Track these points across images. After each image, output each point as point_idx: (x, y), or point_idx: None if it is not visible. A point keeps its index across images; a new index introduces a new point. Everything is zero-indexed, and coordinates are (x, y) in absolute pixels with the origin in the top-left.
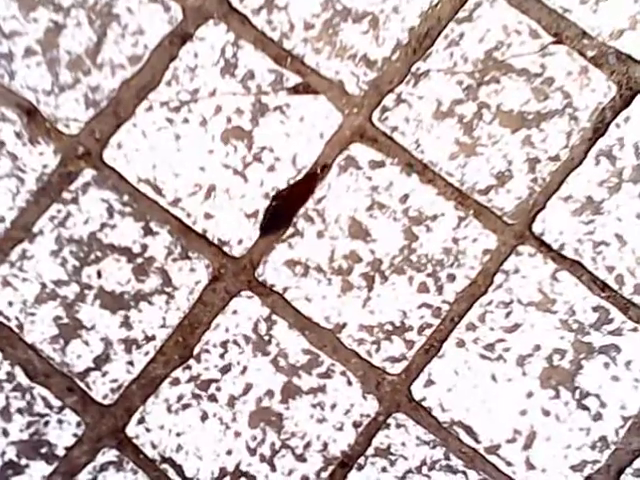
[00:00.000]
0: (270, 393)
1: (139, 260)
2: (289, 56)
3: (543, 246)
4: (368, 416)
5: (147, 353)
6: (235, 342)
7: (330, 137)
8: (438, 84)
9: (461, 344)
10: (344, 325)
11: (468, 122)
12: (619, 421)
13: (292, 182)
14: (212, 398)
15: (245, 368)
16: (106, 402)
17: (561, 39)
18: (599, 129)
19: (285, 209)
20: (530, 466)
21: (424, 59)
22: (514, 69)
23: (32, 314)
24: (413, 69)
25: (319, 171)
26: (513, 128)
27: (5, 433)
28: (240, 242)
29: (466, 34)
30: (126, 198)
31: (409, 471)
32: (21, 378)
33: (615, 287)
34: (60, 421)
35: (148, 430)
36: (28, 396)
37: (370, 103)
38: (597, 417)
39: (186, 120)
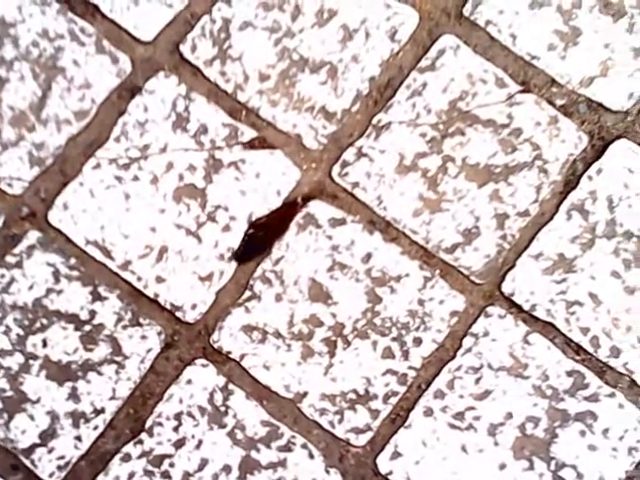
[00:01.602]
0: (227, 469)
1: (87, 327)
2: (244, 109)
3: (514, 307)
4: None
5: (96, 427)
6: (189, 414)
7: (288, 194)
8: (400, 137)
9: (429, 413)
10: (305, 394)
11: (432, 176)
12: None
13: (270, 210)
14: (165, 475)
15: (200, 442)
16: None
17: (529, 88)
18: (570, 182)
19: (263, 237)
20: None
21: (385, 110)
22: (480, 120)
23: None
24: (374, 121)
25: (299, 200)
26: (480, 182)
27: None
28: (194, 307)
29: (429, 84)
30: (73, 261)
31: None
32: None
33: (590, 350)
34: None
35: None
36: None
37: (329, 158)
38: None
39: (136, 178)
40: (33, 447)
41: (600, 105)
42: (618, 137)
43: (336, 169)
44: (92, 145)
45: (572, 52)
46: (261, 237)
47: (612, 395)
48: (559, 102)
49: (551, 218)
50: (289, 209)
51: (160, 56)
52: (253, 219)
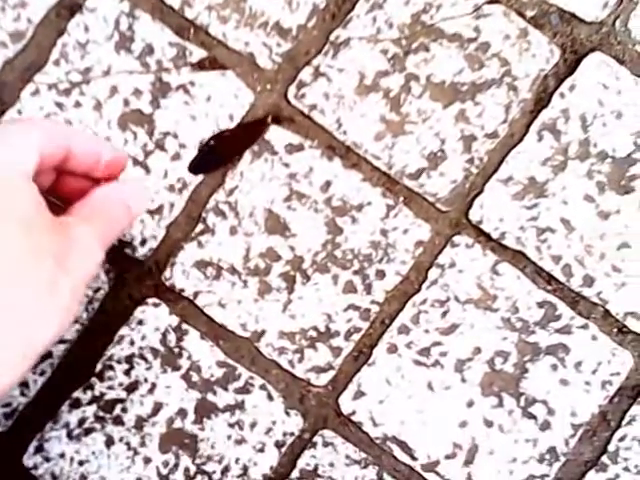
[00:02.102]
0: (182, 412)
1: None
2: (192, 27)
3: (482, 235)
4: (292, 434)
5: (43, 372)
6: (142, 356)
7: (241, 119)
8: (360, 54)
9: (393, 349)
10: (263, 333)
11: (395, 97)
12: (569, 430)
13: (236, 125)
14: (118, 421)
15: (154, 385)
16: None
17: None
18: (541, 100)
19: (223, 151)
20: None
21: (344, 25)
22: (445, 34)
23: None
24: (332, 37)
25: (269, 120)
26: (445, 102)
27: None
28: (143, 242)
29: None
30: None
31: None
32: None
33: (562, 279)
34: None
35: (47, 460)
36: None
37: (285, 78)
38: (545, 426)
39: (78, 104)
40: None
41: (573, 16)
42: (592, 50)
43: (292, 90)
44: (30, 69)
45: None
46: (220, 151)
47: (585, 326)
48: (529, 13)
49: (521, 139)
50: (257, 127)
51: None
52: (217, 131)
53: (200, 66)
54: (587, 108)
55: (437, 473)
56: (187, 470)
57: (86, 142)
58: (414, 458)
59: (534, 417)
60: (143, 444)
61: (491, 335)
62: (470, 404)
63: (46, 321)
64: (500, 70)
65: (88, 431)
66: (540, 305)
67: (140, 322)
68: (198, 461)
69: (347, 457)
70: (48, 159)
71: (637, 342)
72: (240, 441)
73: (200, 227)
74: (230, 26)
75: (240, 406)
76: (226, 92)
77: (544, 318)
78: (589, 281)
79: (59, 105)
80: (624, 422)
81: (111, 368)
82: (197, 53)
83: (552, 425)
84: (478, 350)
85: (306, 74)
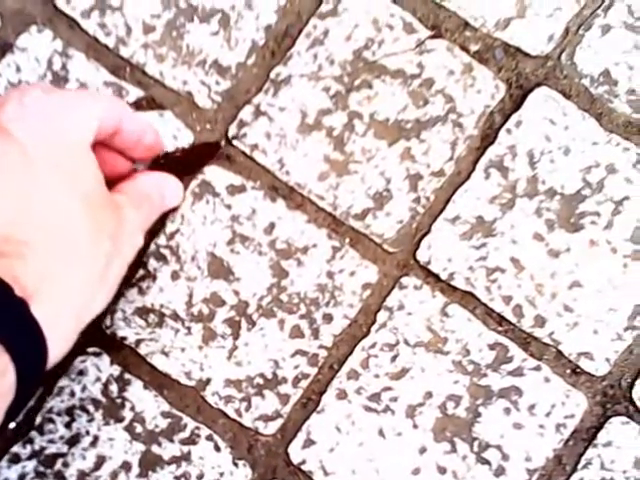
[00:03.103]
0: (126, 466)
1: None
2: (128, 65)
3: (430, 276)
4: None
5: None
6: (83, 408)
7: None
8: (302, 92)
9: (342, 395)
10: (208, 381)
11: (338, 135)
12: (524, 475)
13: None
14: (59, 476)
15: (96, 438)
16: None
17: (440, 32)
18: (488, 137)
19: (173, 169)
20: None
21: (284, 63)
22: (388, 71)
23: None
24: (272, 75)
25: (222, 142)
26: (390, 140)
27: None
28: None
29: (331, 31)
30: None
31: None
32: None
33: (513, 320)
34: None
35: None
36: None
37: (225, 117)
38: (499, 472)
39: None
40: None
41: (518, 50)
42: (538, 85)
43: (233, 130)
44: None
45: None
46: (169, 170)
47: (537, 368)
48: (473, 48)
49: (468, 177)
50: (209, 148)
51: (32, 8)
52: (167, 152)
53: (137, 106)
54: (534, 144)
55: None
56: None
57: (135, 121)
58: None
59: (488, 462)
60: None
61: (442, 379)
62: (423, 450)
63: (97, 299)
64: (445, 107)
65: None
66: (491, 347)
67: (80, 372)
68: None
69: None
70: (102, 133)
71: (591, 383)
72: None
73: (141, 272)
74: (167, 64)
75: (186, 457)
76: (165, 133)
77: (496, 360)
78: (540, 321)
79: None
80: (579, 466)
81: (51, 421)
82: (134, 93)
83: (507, 470)
84: (429, 395)
85: (247, 113)
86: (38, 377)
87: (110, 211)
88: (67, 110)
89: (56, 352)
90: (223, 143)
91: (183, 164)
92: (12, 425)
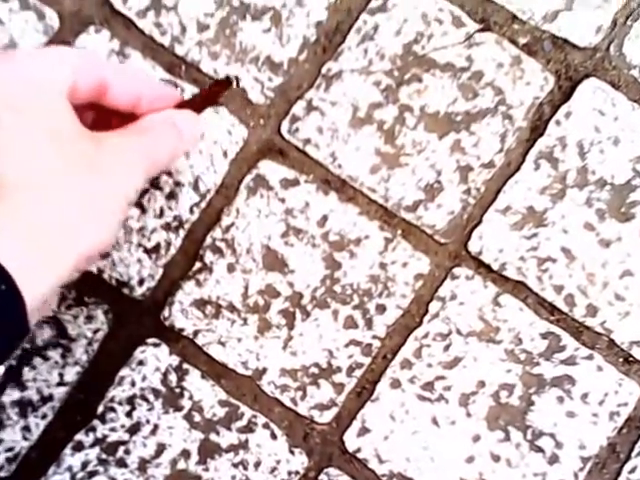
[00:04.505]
0: (186, 453)
1: None
2: (183, 63)
3: (482, 267)
4: (297, 473)
5: (45, 416)
6: (143, 397)
7: (235, 155)
8: (353, 86)
9: (396, 385)
10: (264, 370)
11: (389, 129)
12: (578, 463)
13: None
14: (121, 463)
15: (156, 426)
16: (2, 474)
17: (488, 26)
18: (537, 128)
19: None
20: None
21: (335, 58)
22: (437, 64)
23: None
24: (324, 70)
25: (232, 77)
26: (440, 132)
27: None
28: (141, 282)
29: (381, 26)
30: None
31: None
32: None
33: (565, 309)
34: None
35: None
36: None
37: (278, 113)
38: (553, 459)
39: None
40: None
41: (566, 41)
42: (587, 76)
43: (285, 125)
44: None
45: None
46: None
47: (590, 357)
48: (522, 40)
49: (518, 168)
50: (221, 87)
51: (89, 9)
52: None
53: (192, 103)
54: (584, 135)
55: None
56: None
57: (122, 75)
58: None
59: (542, 450)
60: None
61: (495, 368)
62: (476, 439)
63: (83, 232)
64: (494, 99)
65: (91, 474)
66: (544, 336)
67: (140, 362)
68: None
69: None
70: (83, 87)
71: None
72: None
73: (198, 265)
74: (221, 62)
75: (244, 445)
76: (219, 129)
77: (548, 349)
78: (592, 311)
79: None
80: (633, 453)
81: (113, 410)
82: (189, 90)
83: (560, 458)
84: (482, 383)
85: (299, 108)
86: (16, 320)
87: (87, 142)
88: (34, 63)
89: (41, 289)
90: (233, 78)
91: (197, 107)
92: (1, 370)
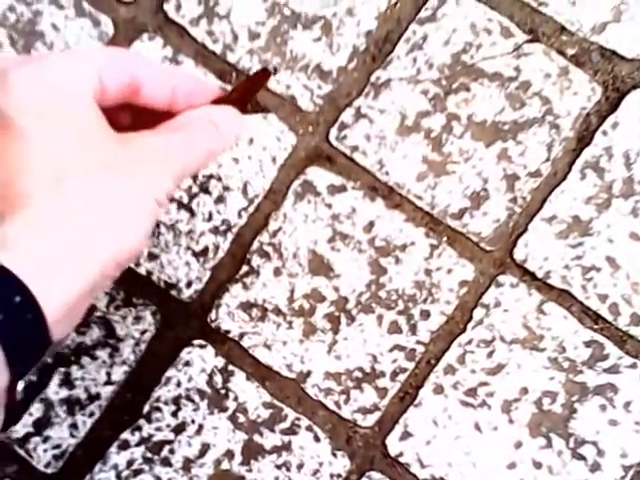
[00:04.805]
0: (229, 454)
1: None
2: (234, 71)
3: (526, 275)
4: (339, 476)
5: (92, 414)
6: (188, 397)
7: (284, 161)
8: (401, 95)
9: (439, 390)
10: (308, 373)
11: (436, 137)
12: (620, 471)
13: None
14: (165, 462)
15: (201, 427)
16: (49, 471)
17: (537, 37)
18: (584, 138)
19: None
20: None
21: (384, 67)
22: (485, 74)
23: None
24: (372, 79)
25: (271, 68)
26: (487, 141)
27: None
28: (189, 285)
29: (430, 36)
30: None
31: None
32: None
33: (609, 318)
34: None
35: None
36: None
37: (326, 120)
38: (595, 467)
39: None
40: (27, 436)
41: (614, 53)
42: (634, 87)
43: (334, 132)
44: None
45: None
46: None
47: (633, 366)
48: (570, 51)
49: (564, 178)
50: (261, 79)
51: (143, 17)
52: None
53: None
54: (630, 146)
55: None
56: None
57: (155, 71)
58: None
59: (584, 458)
60: None
61: (538, 375)
62: (518, 445)
63: (104, 235)
64: (541, 109)
65: (137, 472)
66: (587, 344)
67: (187, 363)
68: None
69: None
70: (112, 86)
71: None
72: None
73: (245, 269)
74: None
75: (287, 447)
76: (268, 135)
77: (592, 358)
78: (636, 320)
79: None
80: None
81: (158, 410)
82: None
83: (602, 466)
84: (525, 390)
85: (347, 116)
86: (34, 331)
87: (114, 144)
88: (57, 65)
89: (62, 299)
90: (272, 69)
91: (238, 102)
92: (21, 386)
